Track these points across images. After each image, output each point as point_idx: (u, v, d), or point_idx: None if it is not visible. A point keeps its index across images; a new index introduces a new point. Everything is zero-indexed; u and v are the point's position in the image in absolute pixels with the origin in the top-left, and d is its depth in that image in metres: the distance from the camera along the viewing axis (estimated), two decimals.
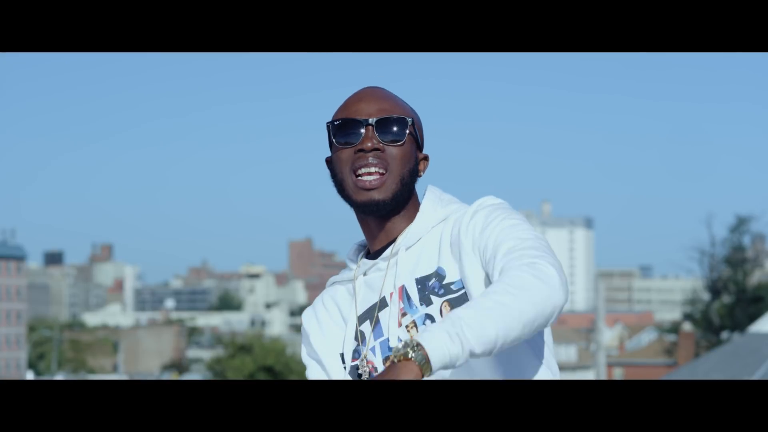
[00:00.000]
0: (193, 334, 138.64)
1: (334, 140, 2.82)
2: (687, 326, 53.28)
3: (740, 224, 58.63)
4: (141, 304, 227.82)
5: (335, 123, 2.81)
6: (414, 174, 2.83)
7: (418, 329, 2.76)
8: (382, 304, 2.83)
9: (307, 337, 2.98)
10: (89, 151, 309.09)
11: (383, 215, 2.82)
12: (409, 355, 2.39)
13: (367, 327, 2.85)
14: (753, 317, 54.04)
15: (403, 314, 2.79)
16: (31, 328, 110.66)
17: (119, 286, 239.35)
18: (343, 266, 3.01)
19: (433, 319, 2.75)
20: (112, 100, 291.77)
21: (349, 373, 2.88)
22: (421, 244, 2.82)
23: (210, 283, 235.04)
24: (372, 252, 2.89)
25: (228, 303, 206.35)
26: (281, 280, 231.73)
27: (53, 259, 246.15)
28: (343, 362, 2.90)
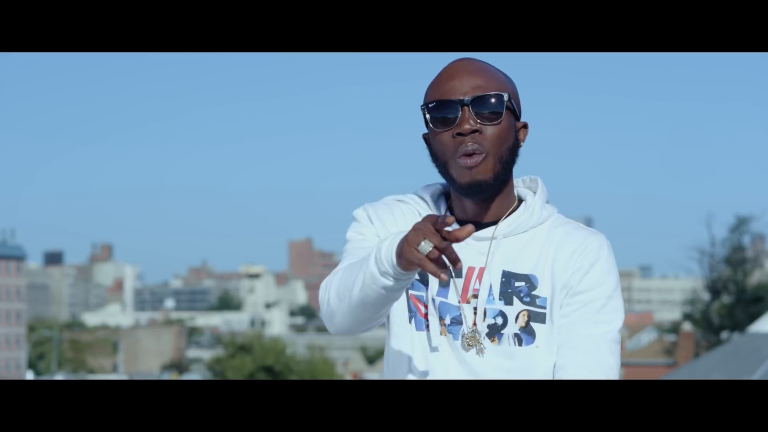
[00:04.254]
0: (193, 334, 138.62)
1: (430, 124, 2.71)
2: (687, 326, 53.25)
3: (740, 224, 58.59)
4: (141, 304, 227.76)
5: (430, 105, 2.71)
6: (514, 150, 2.74)
7: (486, 320, 2.68)
8: (458, 274, 2.72)
9: (378, 221, 2.80)
10: (89, 151, 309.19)
11: (486, 197, 2.72)
12: None
13: (434, 279, 2.73)
14: (753, 317, 54.00)
15: (475, 296, 2.69)
16: (31, 328, 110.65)
17: (119, 286, 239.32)
18: None
19: (506, 319, 2.68)
20: (112, 100, 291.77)
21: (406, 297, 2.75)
22: (520, 239, 2.74)
23: (210, 283, 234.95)
24: (459, 220, 2.76)
25: (228, 303, 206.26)
26: (281, 280, 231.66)
27: (53, 259, 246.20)
28: None
